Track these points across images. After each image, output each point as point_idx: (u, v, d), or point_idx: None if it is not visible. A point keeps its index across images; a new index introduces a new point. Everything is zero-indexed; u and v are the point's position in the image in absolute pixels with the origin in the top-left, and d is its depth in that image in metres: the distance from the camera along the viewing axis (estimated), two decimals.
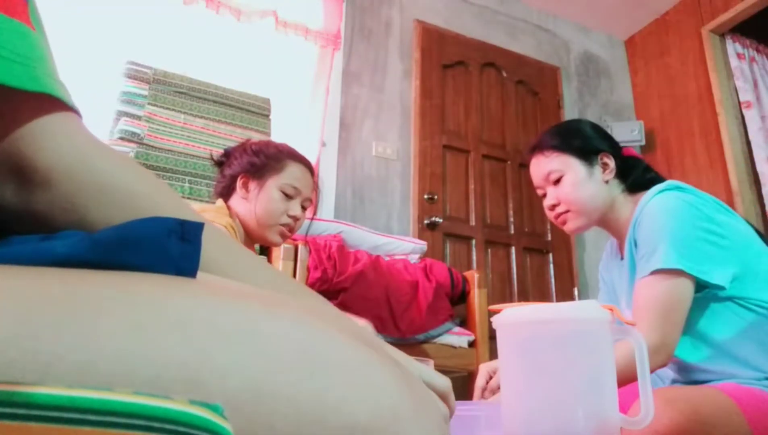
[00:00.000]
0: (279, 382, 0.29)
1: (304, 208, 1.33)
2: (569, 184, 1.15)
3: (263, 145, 1.35)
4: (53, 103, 0.36)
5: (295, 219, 1.30)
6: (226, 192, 1.34)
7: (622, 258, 1.21)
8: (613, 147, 1.20)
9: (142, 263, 0.31)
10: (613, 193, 1.17)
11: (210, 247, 0.38)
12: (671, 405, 0.85)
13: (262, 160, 1.30)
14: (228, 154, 1.38)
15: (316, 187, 1.41)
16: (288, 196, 1.28)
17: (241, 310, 0.31)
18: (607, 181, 1.16)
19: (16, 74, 0.33)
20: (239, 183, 1.30)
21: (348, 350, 0.33)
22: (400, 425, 0.31)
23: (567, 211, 1.17)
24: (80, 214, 0.36)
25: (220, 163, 1.39)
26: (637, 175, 1.19)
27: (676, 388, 1.11)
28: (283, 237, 1.31)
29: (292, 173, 1.30)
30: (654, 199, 1.06)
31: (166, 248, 0.33)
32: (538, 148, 1.22)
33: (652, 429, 0.74)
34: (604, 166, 1.17)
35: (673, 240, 0.99)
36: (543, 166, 1.19)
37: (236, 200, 1.30)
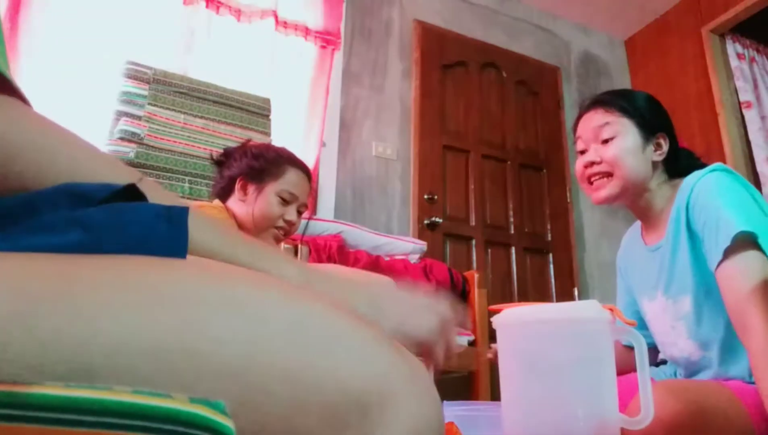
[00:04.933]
0: (272, 350, 0.30)
1: (300, 213, 1.35)
2: (620, 147, 1.08)
3: (263, 149, 1.36)
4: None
5: (291, 224, 1.32)
6: (223, 193, 1.35)
7: (646, 244, 1.16)
8: (671, 134, 1.14)
9: (132, 246, 0.32)
10: (655, 176, 1.11)
11: (196, 232, 0.38)
12: (675, 395, 0.84)
13: (261, 165, 1.31)
14: (228, 154, 1.39)
15: (313, 192, 1.43)
16: (285, 202, 1.30)
17: (231, 286, 0.32)
18: (654, 163, 1.10)
19: None
20: (237, 185, 1.31)
21: (339, 320, 0.34)
22: (392, 390, 0.32)
23: (606, 175, 1.09)
24: (15, 173, 0.35)
25: (219, 163, 1.40)
26: (684, 164, 1.13)
27: (680, 380, 1.10)
28: (278, 240, 1.33)
29: (290, 179, 1.31)
30: (706, 177, 1.01)
31: (154, 231, 0.33)
32: (601, 102, 1.14)
33: (654, 417, 0.74)
34: (658, 146, 1.11)
35: (740, 210, 0.94)
36: (599, 118, 1.11)
37: (233, 202, 1.32)
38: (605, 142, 1.10)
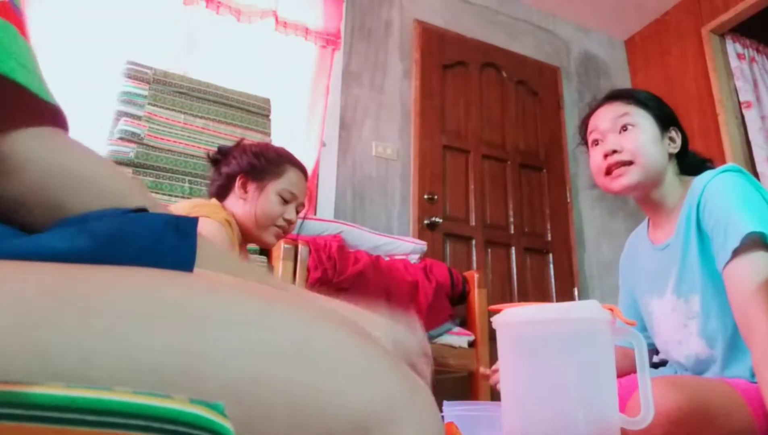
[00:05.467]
0: (275, 371, 0.29)
1: (297, 212, 1.38)
2: (641, 135, 1.09)
3: (263, 148, 1.38)
4: (42, 109, 0.38)
5: (290, 222, 1.34)
6: (222, 192, 1.35)
7: (654, 243, 1.16)
8: (682, 130, 1.16)
9: (140, 257, 0.32)
10: (669, 168, 1.12)
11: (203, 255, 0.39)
12: (676, 389, 0.84)
13: (262, 164, 1.32)
14: (225, 153, 1.39)
15: (312, 192, 1.46)
16: (285, 201, 1.32)
17: (237, 303, 0.32)
18: (669, 155, 1.12)
19: (36, 84, 0.36)
20: (238, 183, 1.32)
21: (342, 341, 0.33)
22: (394, 412, 0.32)
23: (629, 164, 1.08)
24: (55, 201, 0.38)
25: (215, 162, 1.40)
26: (693, 162, 1.16)
27: (681, 375, 1.10)
28: (278, 238, 1.35)
29: (290, 179, 1.33)
30: (718, 177, 1.01)
31: (162, 242, 0.33)
32: (618, 96, 1.16)
33: (655, 411, 0.74)
34: (671, 139, 1.13)
35: (751, 211, 0.94)
36: (619, 108, 1.13)
37: (232, 200, 1.32)
38: (624, 131, 1.11)
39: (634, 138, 1.09)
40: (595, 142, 1.15)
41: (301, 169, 1.39)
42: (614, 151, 1.10)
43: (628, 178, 1.08)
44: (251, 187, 1.31)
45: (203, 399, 0.26)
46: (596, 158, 1.14)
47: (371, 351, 0.34)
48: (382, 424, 0.31)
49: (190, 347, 0.28)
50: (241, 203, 1.30)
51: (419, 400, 0.34)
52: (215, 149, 1.43)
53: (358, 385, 0.32)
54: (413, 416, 0.33)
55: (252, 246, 1.92)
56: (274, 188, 1.30)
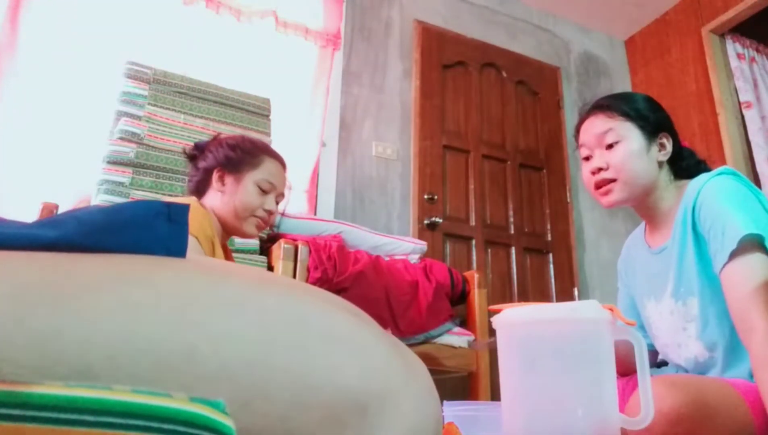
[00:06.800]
0: (272, 351, 0.30)
1: (276, 203, 1.37)
2: (624, 152, 1.09)
3: (239, 140, 1.38)
4: None
5: (270, 213, 1.34)
6: (200, 187, 1.35)
7: (651, 247, 1.17)
8: (674, 132, 1.16)
9: (131, 245, 0.32)
10: (661, 176, 1.12)
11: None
12: (676, 389, 0.84)
13: (238, 155, 1.33)
14: (201, 148, 1.39)
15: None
16: (263, 191, 1.32)
17: (231, 285, 0.32)
18: (660, 163, 1.12)
19: None
20: (215, 176, 1.32)
21: (337, 320, 0.34)
22: (391, 389, 0.32)
23: (612, 181, 1.10)
24: None
25: (192, 157, 1.40)
26: (689, 164, 1.15)
27: (681, 374, 1.10)
28: (258, 229, 1.35)
29: (268, 169, 1.34)
30: (713, 180, 1.02)
31: (153, 229, 0.33)
32: (601, 107, 1.16)
33: (655, 410, 0.74)
34: (661, 146, 1.12)
35: (746, 213, 0.95)
36: (601, 124, 1.13)
37: (211, 194, 1.32)
38: (609, 147, 1.11)
39: (618, 155, 1.10)
40: (586, 158, 1.17)
41: (279, 159, 1.38)
42: (600, 169, 1.12)
43: (613, 196, 1.11)
44: (229, 179, 1.31)
45: (201, 382, 0.26)
46: (586, 174, 1.16)
47: (366, 330, 0.34)
48: (379, 401, 0.31)
49: (188, 331, 0.28)
50: (220, 196, 1.31)
51: (415, 377, 0.34)
52: (191, 145, 1.43)
53: (354, 363, 0.32)
54: (411, 395, 0.33)
55: (252, 246, 1.93)
56: (251, 178, 1.31)
